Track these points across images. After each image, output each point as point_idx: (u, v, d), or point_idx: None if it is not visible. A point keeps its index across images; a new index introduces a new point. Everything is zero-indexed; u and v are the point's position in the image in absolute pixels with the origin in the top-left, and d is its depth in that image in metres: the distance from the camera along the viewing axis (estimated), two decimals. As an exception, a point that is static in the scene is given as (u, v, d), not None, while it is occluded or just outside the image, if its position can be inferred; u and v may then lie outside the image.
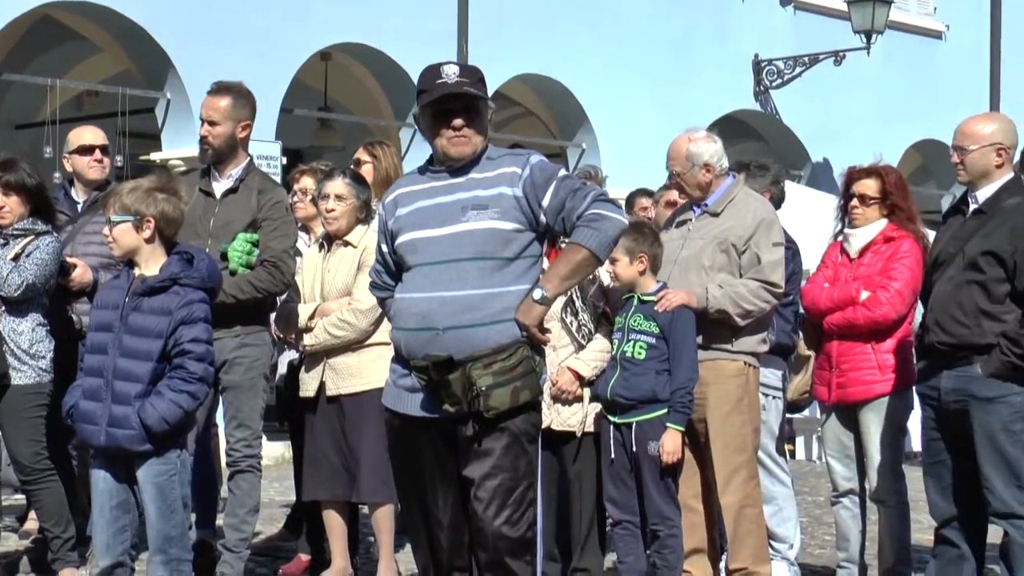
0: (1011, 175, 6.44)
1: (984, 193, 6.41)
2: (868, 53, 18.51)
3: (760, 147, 19.23)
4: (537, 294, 5.03)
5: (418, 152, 16.77)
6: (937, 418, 6.42)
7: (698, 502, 6.98)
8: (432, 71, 5.14)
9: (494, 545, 5.05)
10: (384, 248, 5.35)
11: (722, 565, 7.20)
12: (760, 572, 6.92)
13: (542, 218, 5.10)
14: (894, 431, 7.02)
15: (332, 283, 7.24)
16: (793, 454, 14.42)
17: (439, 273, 5.08)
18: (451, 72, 5.07)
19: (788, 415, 8.41)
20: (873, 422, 7.04)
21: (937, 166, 20.30)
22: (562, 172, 5.19)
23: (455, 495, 5.17)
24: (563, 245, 5.93)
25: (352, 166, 7.77)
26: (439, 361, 4.98)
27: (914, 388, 6.67)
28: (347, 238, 7.22)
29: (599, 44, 17.27)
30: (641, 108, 17.19)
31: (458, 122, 5.08)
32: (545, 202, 5.08)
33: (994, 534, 6.49)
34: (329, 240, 7.31)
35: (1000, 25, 22.06)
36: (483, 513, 5.05)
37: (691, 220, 7.00)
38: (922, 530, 7.80)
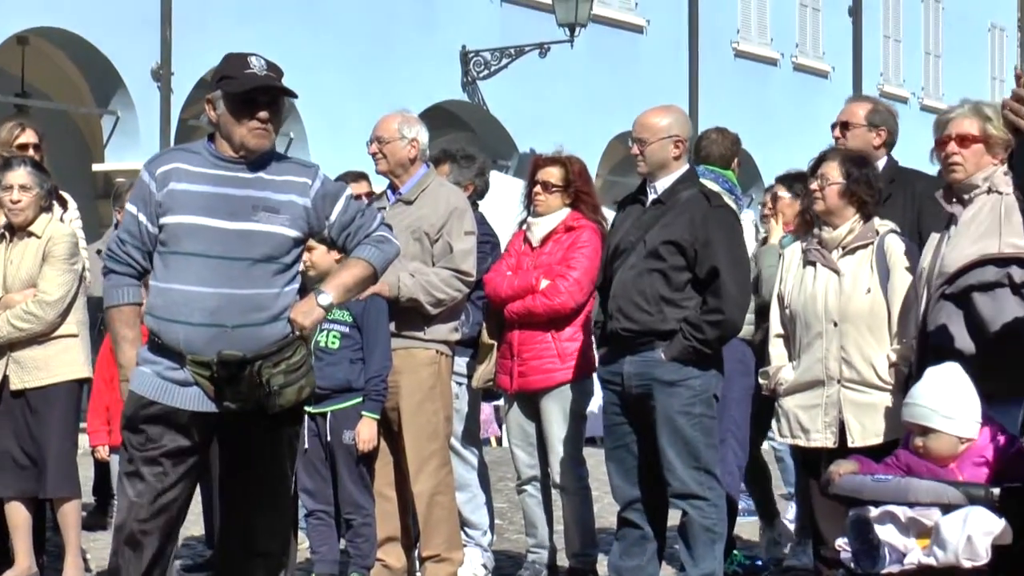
0: (687, 167, 6.62)
1: (662, 184, 6.55)
2: (572, 46, 18.87)
3: (468, 137, 19.40)
4: (324, 299, 5.13)
5: (121, 140, 16.44)
6: (620, 403, 6.55)
7: (392, 490, 6.99)
8: (239, 59, 5.12)
9: (250, 536, 5.15)
10: (142, 219, 5.14)
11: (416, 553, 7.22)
12: (452, 558, 6.98)
13: (326, 231, 5.22)
14: (574, 418, 7.11)
15: (15, 275, 7.04)
16: (500, 441, 14.57)
17: (228, 269, 5.03)
18: (259, 64, 5.09)
19: (491, 403, 8.48)
20: (554, 410, 7.12)
21: (641, 157, 20.82)
22: (348, 189, 5.37)
23: (191, 491, 5.21)
24: None
25: None
26: (232, 360, 4.97)
27: (595, 375, 6.78)
28: (31, 228, 7.03)
29: (307, 33, 17.17)
30: (349, 98, 17.16)
31: (264, 114, 5.08)
32: (333, 216, 5.19)
33: (675, 514, 6.68)
34: (11, 231, 7.10)
35: (698, 19, 22.77)
36: (245, 506, 5.15)
37: (385, 208, 7.00)
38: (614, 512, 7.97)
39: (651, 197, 6.58)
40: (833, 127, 7.16)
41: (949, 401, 4.81)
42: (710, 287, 6.36)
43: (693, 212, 6.42)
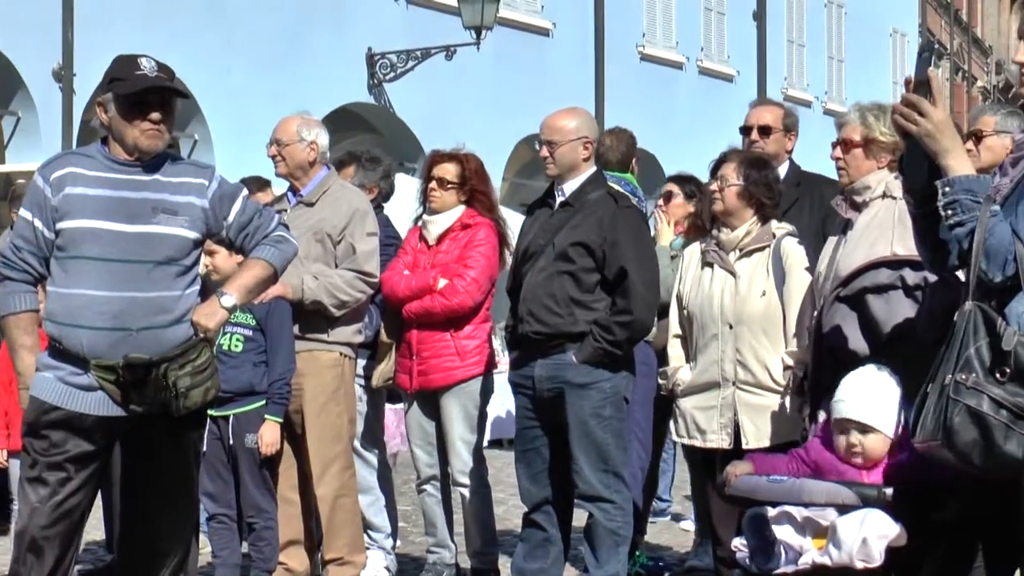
0: (594, 169, 6.64)
1: (570, 186, 6.57)
2: (478, 48, 18.90)
3: (374, 139, 19.37)
4: (227, 301, 5.16)
5: (22, 141, 16.24)
6: (532, 406, 6.57)
7: (295, 493, 6.96)
8: (129, 61, 5.12)
9: (153, 539, 5.17)
10: (38, 224, 5.11)
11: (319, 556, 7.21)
12: (355, 561, 6.97)
13: (224, 232, 5.25)
14: (474, 416, 7.11)
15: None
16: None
17: (129, 272, 5.03)
18: (149, 65, 5.10)
19: (395, 405, 8.46)
20: (454, 408, 7.11)
21: (547, 160, 20.87)
22: (245, 190, 5.39)
23: (93, 496, 5.20)
24: None
25: None
26: (138, 363, 4.96)
27: (494, 374, 6.80)
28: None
29: (213, 34, 17.07)
30: (254, 99, 17.06)
31: (156, 115, 5.09)
32: (231, 217, 5.24)
33: (580, 516, 6.72)
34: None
35: (604, 23, 22.89)
36: (148, 508, 5.15)
37: (286, 211, 6.98)
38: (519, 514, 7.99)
39: (559, 200, 6.60)
40: (748, 131, 7.19)
41: (887, 401, 4.76)
42: (619, 288, 6.39)
43: (601, 213, 6.45)
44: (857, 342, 4.95)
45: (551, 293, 6.43)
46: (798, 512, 4.48)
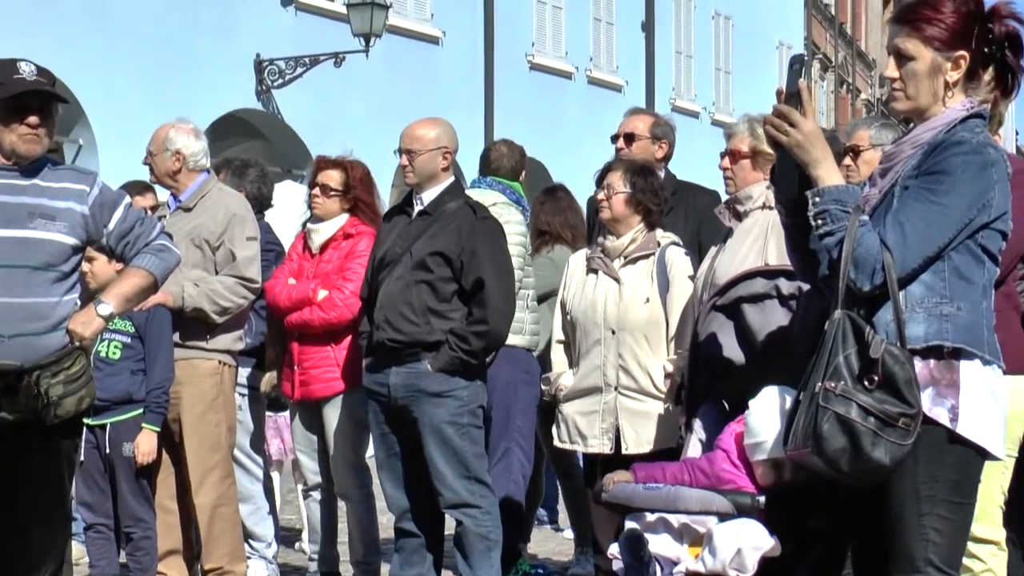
0: (453, 179, 6.69)
1: (429, 195, 6.61)
2: (367, 56, 18.84)
3: (263, 146, 19.27)
4: (103, 309, 5.15)
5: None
6: (387, 413, 6.58)
7: (173, 503, 6.89)
8: (8, 65, 5.10)
9: (26, 551, 5.09)
10: None
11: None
12: (235, 571, 6.91)
13: (104, 240, 5.23)
14: (356, 426, 7.06)
15: None
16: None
17: (5, 277, 4.99)
18: (28, 70, 5.08)
19: (276, 414, 8.43)
20: (336, 418, 7.08)
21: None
22: (127, 198, 5.38)
23: None
24: None
25: None
26: (8, 370, 4.92)
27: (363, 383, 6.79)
28: None
29: (99, 39, 16.86)
30: (141, 104, 16.84)
31: (34, 120, 5.07)
32: (111, 225, 5.22)
33: (450, 524, 6.72)
34: None
35: (494, 32, 22.94)
36: (20, 520, 5.09)
37: (166, 216, 6.92)
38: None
39: (418, 208, 6.63)
40: (615, 139, 7.32)
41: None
42: (475, 298, 6.43)
43: (460, 223, 6.49)
44: (733, 351, 4.99)
45: (408, 301, 6.45)
46: (675, 519, 4.51)
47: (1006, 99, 4.13)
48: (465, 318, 6.43)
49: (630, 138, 7.23)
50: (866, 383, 3.81)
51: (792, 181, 4.01)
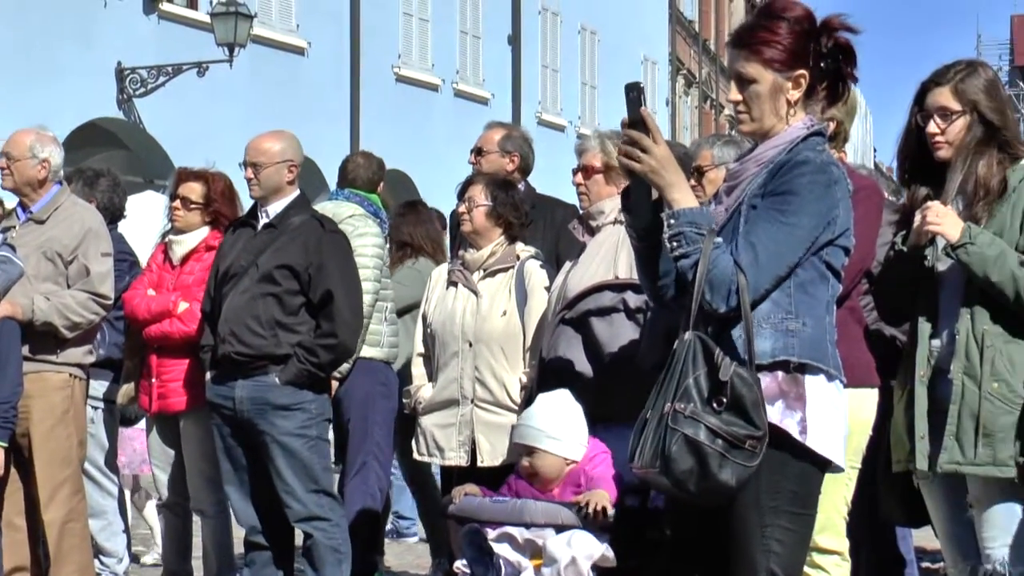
0: (298, 192, 6.72)
1: (275, 208, 6.64)
2: (231, 66, 18.70)
3: (124, 155, 19.04)
4: None
5: None
6: (232, 426, 6.56)
7: (21, 519, 6.75)
8: None
9: None
10: None
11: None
12: (84, 587, 6.82)
13: None
14: (213, 441, 7.00)
15: None
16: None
17: None
18: None
19: (129, 427, 8.30)
20: (193, 432, 6.98)
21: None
22: None
23: None
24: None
25: None
26: None
27: (207, 396, 6.73)
28: None
29: (-48, 44, 16.56)
30: (-2, 112, 16.59)
31: None
32: None
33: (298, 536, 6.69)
34: None
35: (360, 43, 22.88)
36: None
37: (15, 227, 6.79)
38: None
39: (263, 221, 6.63)
40: (472, 152, 7.36)
41: (556, 423, 4.96)
42: (324, 311, 6.45)
43: (307, 237, 6.52)
44: (581, 364, 5.03)
45: (255, 315, 6.46)
46: (519, 533, 4.54)
47: (832, 105, 4.20)
48: (313, 331, 6.44)
49: (480, 151, 7.29)
50: (714, 405, 3.83)
51: (646, 207, 4.03)
